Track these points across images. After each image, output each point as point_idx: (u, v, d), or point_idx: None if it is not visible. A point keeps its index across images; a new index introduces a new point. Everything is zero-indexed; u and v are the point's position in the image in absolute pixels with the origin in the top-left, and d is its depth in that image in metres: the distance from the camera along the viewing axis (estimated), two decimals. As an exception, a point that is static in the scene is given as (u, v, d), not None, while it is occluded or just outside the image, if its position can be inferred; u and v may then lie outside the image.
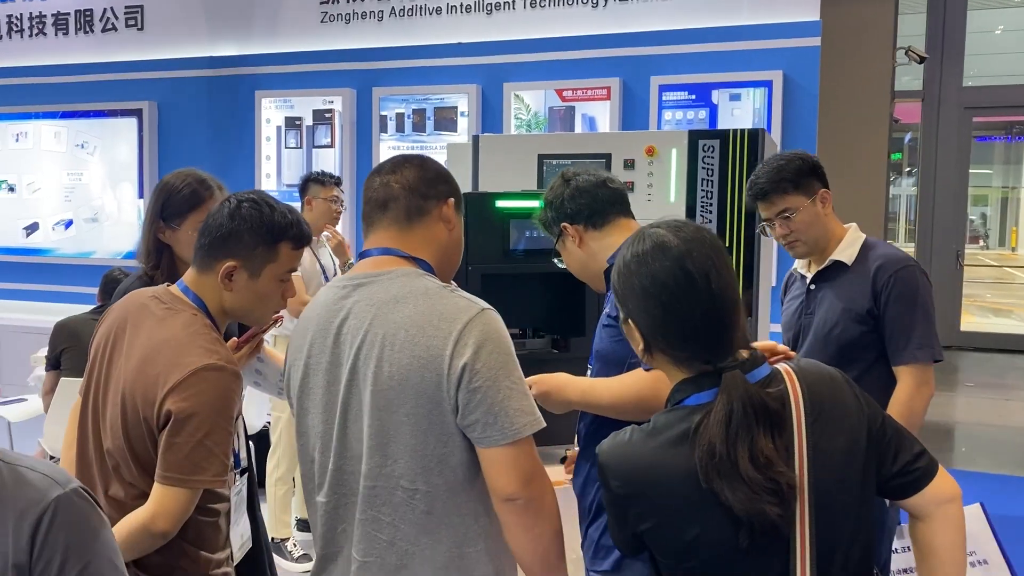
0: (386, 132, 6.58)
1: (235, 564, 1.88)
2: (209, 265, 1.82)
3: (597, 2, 6.16)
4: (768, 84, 5.67)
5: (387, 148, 6.56)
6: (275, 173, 6.96)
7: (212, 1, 7.33)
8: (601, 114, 6.03)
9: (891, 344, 2.43)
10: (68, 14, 7.89)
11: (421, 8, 6.63)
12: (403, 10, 6.68)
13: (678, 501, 1.31)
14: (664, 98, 5.90)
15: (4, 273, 8.07)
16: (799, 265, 2.64)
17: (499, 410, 1.49)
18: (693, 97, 5.84)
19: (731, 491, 1.25)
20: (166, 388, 1.68)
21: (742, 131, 3.98)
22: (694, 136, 4.04)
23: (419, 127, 6.49)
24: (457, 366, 1.50)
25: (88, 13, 7.81)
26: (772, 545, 1.30)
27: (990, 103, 11.58)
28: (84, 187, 7.72)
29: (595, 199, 2.19)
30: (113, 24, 7.73)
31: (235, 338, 2.09)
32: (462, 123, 6.38)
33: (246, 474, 2.03)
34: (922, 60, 9.12)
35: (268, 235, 1.80)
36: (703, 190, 4.03)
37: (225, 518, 1.84)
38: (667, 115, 5.89)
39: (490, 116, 6.38)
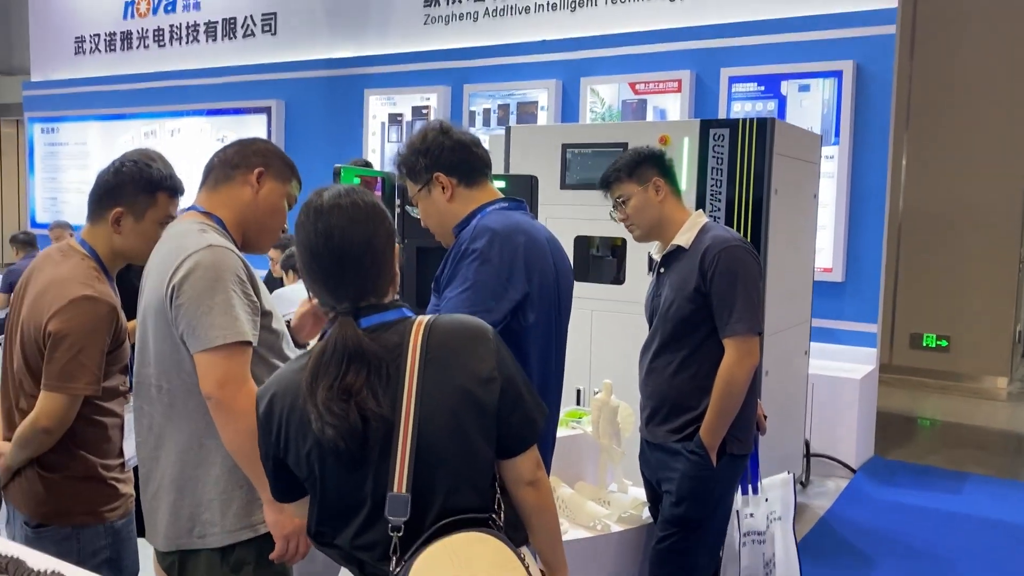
0: (474, 126, 6.94)
1: (130, 470, 2.28)
2: (101, 215, 2.22)
3: (675, -4, 6.24)
4: (838, 74, 5.55)
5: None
6: (379, 165, 7.48)
7: (333, 7, 7.97)
8: (672, 106, 6.11)
9: (717, 319, 2.52)
10: (216, 22, 8.82)
11: (512, 8, 6.94)
12: (496, 10, 7.02)
13: (296, 420, 1.53)
14: (734, 90, 5.90)
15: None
16: (654, 250, 2.75)
17: (196, 323, 1.81)
18: (762, 88, 5.81)
19: (311, 414, 1.47)
20: (49, 314, 2.09)
21: (751, 120, 4.01)
22: (705, 125, 4.11)
23: (503, 120, 6.80)
24: (170, 287, 1.85)
25: (232, 21, 8.70)
26: (375, 464, 1.48)
27: None
28: (223, 177, 8.58)
29: (473, 156, 2.28)
30: (252, 30, 8.56)
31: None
32: (542, 116, 6.64)
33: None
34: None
35: (148, 185, 2.20)
36: (713, 178, 4.10)
37: (118, 431, 2.24)
38: (736, 107, 5.89)
39: (568, 110, 6.60)
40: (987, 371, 8.39)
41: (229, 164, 2.04)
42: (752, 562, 2.56)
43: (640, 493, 2.86)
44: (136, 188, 2.19)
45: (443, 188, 2.26)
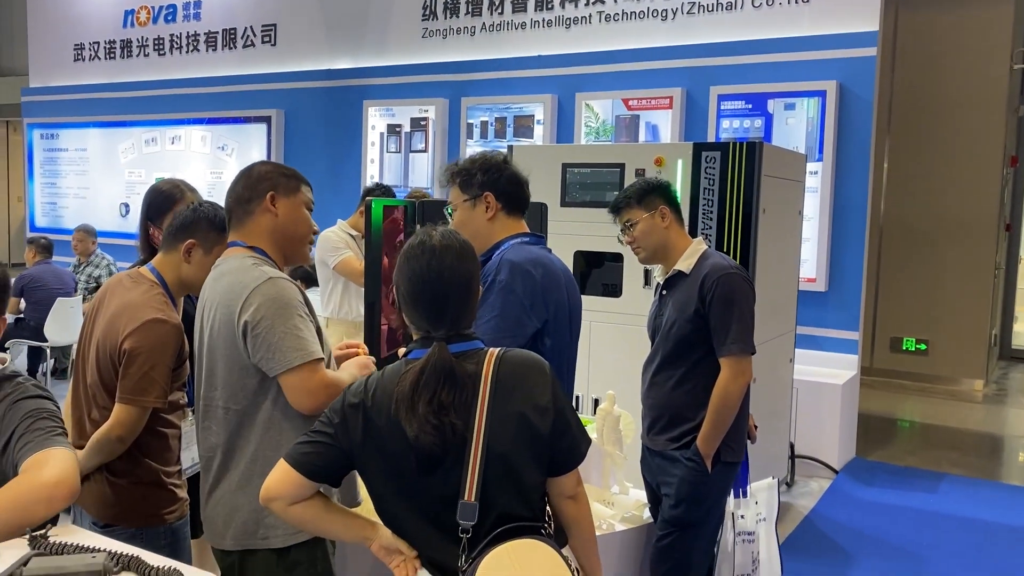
0: (472, 138, 7.18)
1: (186, 478, 2.52)
2: (174, 246, 2.45)
3: (667, 15, 6.50)
4: (822, 94, 5.83)
5: (472, 153, 7.16)
6: (378, 175, 7.70)
7: (333, 19, 8.18)
8: (663, 122, 6.37)
9: (714, 340, 2.78)
10: (217, 32, 9.00)
11: (508, 23, 7.18)
12: (493, 25, 7.25)
13: (385, 423, 1.77)
14: (722, 107, 6.16)
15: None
16: (657, 274, 3.01)
17: (275, 348, 2.01)
18: (750, 107, 6.08)
19: (407, 422, 1.72)
20: (124, 333, 2.33)
21: (741, 143, 4.27)
22: (698, 148, 4.37)
23: (500, 134, 7.05)
24: (242, 320, 2.04)
25: (232, 32, 8.89)
26: (447, 469, 1.73)
27: None
28: (223, 184, 8.73)
29: (521, 192, 2.54)
30: (252, 40, 8.76)
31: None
32: (538, 130, 6.88)
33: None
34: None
35: (220, 224, 2.42)
36: (705, 198, 4.36)
37: (177, 442, 2.47)
38: (725, 123, 6.16)
39: (564, 124, 6.84)
40: (964, 374, 8.72)
41: (243, 199, 2.19)
42: (743, 560, 2.82)
43: (640, 495, 3.11)
44: (209, 226, 2.43)
45: (487, 207, 2.49)
